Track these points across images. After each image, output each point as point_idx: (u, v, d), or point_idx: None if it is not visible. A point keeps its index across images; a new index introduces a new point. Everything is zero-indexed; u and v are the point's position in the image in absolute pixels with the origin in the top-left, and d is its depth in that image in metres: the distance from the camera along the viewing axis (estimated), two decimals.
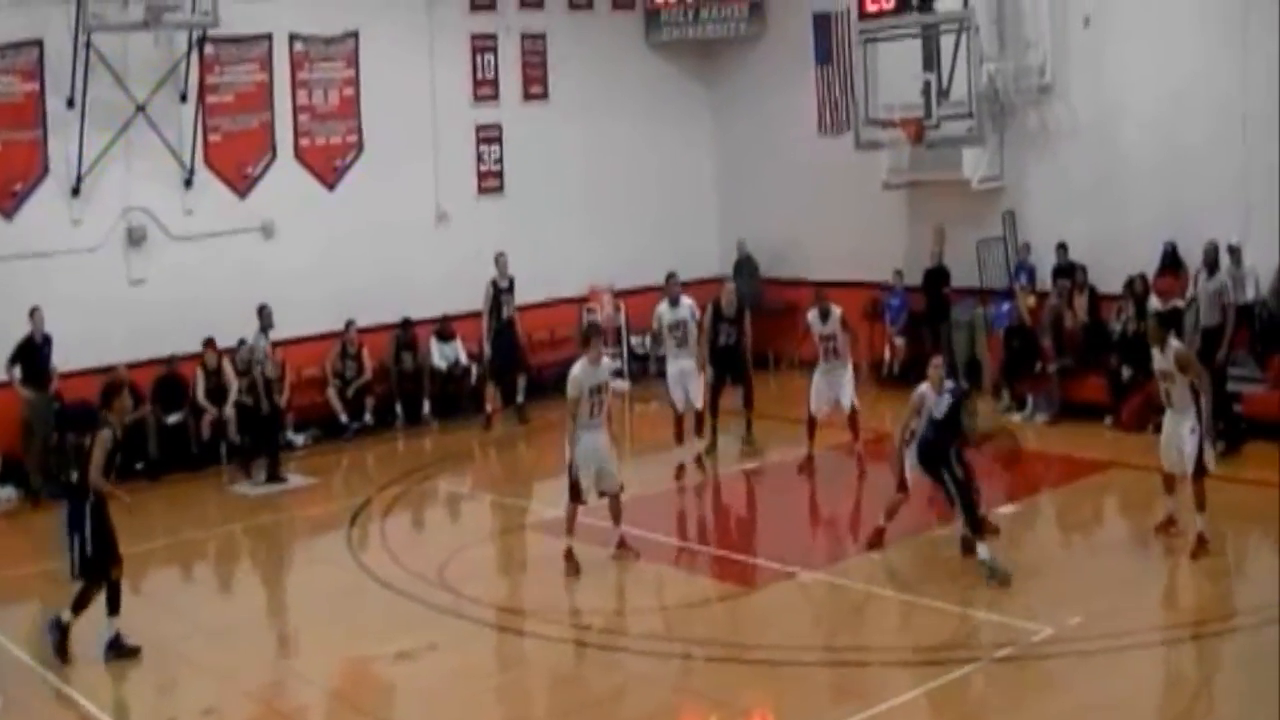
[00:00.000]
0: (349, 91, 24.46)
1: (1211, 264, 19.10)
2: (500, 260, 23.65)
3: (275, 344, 21.33)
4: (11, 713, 12.81)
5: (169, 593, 16.49)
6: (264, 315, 21.08)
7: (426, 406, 24.41)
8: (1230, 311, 18.99)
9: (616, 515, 16.20)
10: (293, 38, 23.78)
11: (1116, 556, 15.47)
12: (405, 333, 24.38)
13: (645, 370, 26.10)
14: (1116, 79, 22.47)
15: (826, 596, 15.31)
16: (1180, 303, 21.09)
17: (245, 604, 16.28)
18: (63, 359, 20.66)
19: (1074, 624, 13.38)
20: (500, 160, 26.26)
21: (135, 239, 22.22)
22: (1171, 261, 21.72)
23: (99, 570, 13.74)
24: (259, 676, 13.78)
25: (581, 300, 26.79)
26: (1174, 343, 15.32)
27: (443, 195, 25.51)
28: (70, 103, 21.31)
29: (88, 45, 21.12)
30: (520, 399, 23.84)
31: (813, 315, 19.70)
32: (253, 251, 23.27)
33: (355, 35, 24.41)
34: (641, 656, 13.72)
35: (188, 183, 22.69)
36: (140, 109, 22.01)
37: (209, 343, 21.87)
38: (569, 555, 15.84)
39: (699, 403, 20.27)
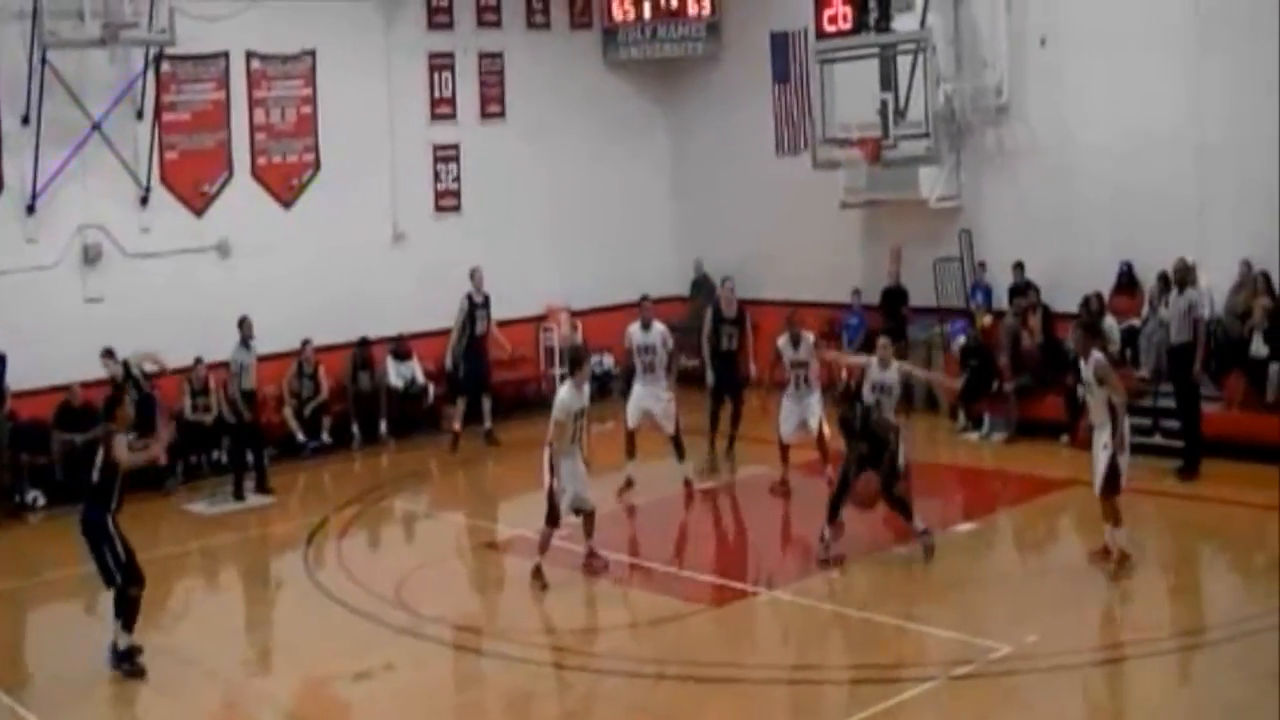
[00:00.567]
0: (306, 110, 24.41)
1: (1182, 281, 19.17)
2: (475, 275, 23.52)
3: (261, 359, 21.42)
4: None
5: None
6: (245, 327, 21.02)
7: (383, 426, 24.32)
8: (1201, 327, 19.06)
9: (589, 530, 16.30)
10: (250, 56, 23.72)
11: (1073, 574, 15.49)
12: (362, 352, 24.30)
13: (605, 390, 25.97)
14: (1073, 99, 22.58)
15: (786, 615, 15.32)
16: (1136, 321, 21.27)
17: (202, 624, 16.17)
18: (17, 378, 20.54)
19: (1031, 641, 13.41)
20: (458, 179, 26.22)
21: (91, 257, 22.09)
22: (1128, 281, 21.89)
23: (134, 573, 13.76)
24: (216, 697, 13.71)
25: (539, 319, 26.77)
26: (1097, 355, 15.36)
27: (400, 214, 25.46)
28: (25, 120, 21.18)
29: (43, 62, 21.00)
30: (488, 423, 23.65)
31: (783, 341, 19.44)
32: (209, 270, 23.20)
33: (313, 54, 24.37)
34: (600, 675, 13.67)
35: (144, 201, 22.59)
36: (96, 126, 21.92)
37: (198, 360, 21.89)
38: (538, 572, 15.82)
39: (670, 427, 19.93)
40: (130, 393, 20.24)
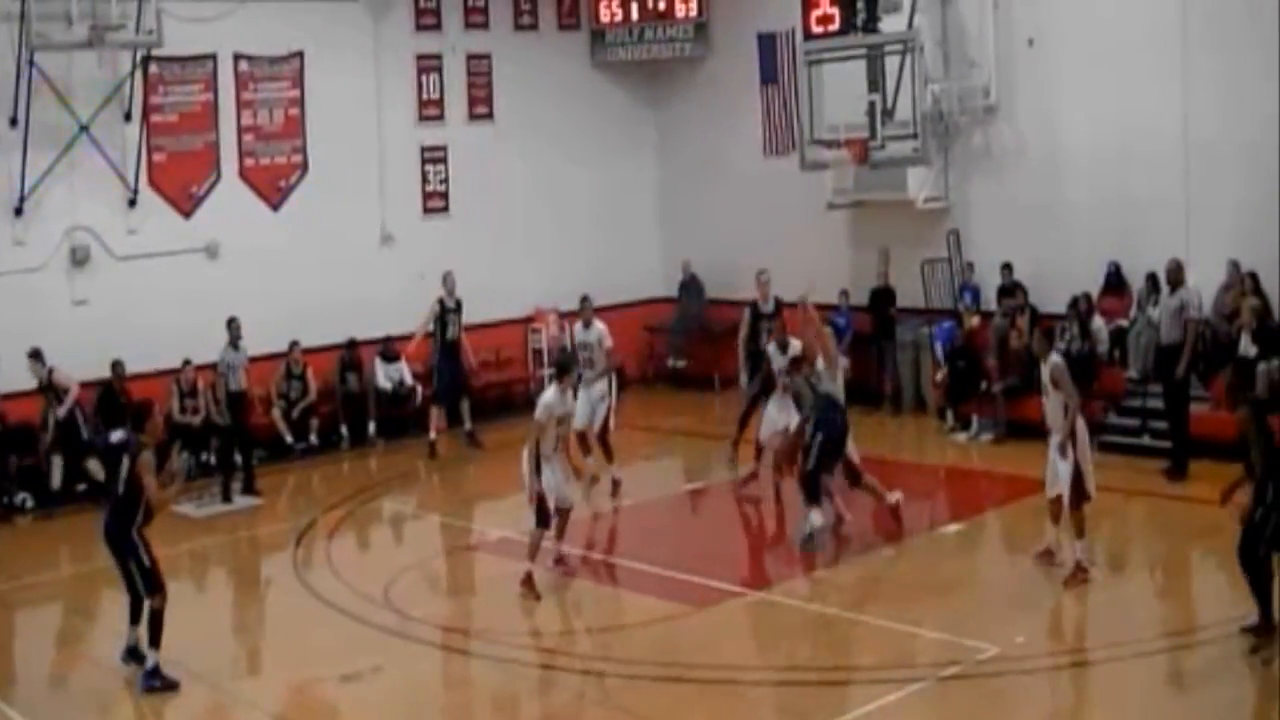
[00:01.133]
0: (294, 112, 24.40)
1: (1174, 281, 19.16)
2: (448, 279, 23.49)
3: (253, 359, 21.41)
4: None
5: (112, 616, 16.26)
6: (233, 328, 21.02)
7: (372, 427, 24.33)
8: (1191, 327, 19.06)
9: (562, 531, 16.30)
10: (237, 58, 23.70)
11: (1061, 575, 15.48)
12: (350, 353, 24.31)
13: None
14: (1061, 99, 22.62)
15: (772, 616, 15.33)
16: (1124, 322, 21.28)
17: (190, 626, 16.09)
18: (5, 380, 20.50)
19: (1019, 642, 13.44)
20: (445, 180, 26.20)
21: (79, 259, 22.07)
22: (1116, 281, 21.91)
23: (155, 582, 13.68)
24: (204, 699, 13.67)
25: (526, 321, 26.76)
26: (1054, 358, 15.40)
27: (388, 215, 25.45)
28: (13, 122, 21.18)
29: (31, 64, 20.98)
30: (468, 425, 23.62)
31: (772, 348, 19.50)
32: (197, 272, 23.15)
33: (300, 55, 24.35)
34: (586, 677, 13.70)
35: (132, 203, 22.57)
36: (84, 129, 21.89)
37: (186, 362, 21.88)
38: (529, 581, 15.66)
39: (598, 424, 19.94)
40: (53, 406, 20.40)
